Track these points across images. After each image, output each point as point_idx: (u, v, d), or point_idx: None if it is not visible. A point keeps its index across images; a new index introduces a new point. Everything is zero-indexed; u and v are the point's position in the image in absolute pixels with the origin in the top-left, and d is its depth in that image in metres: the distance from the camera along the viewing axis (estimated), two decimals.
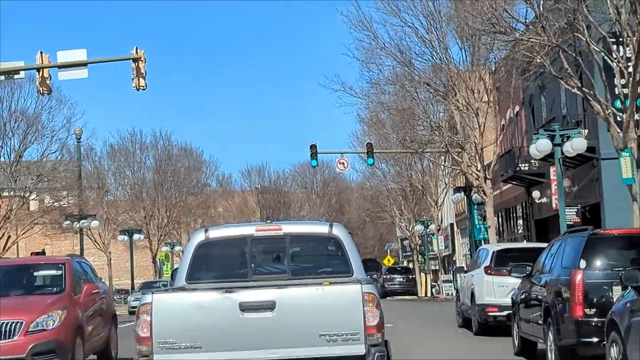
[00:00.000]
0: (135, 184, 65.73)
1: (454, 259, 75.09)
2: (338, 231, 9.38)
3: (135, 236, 58.35)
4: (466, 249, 70.12)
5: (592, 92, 23.43)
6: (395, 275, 59.67)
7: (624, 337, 9.50)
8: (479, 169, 39.17)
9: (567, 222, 34.65)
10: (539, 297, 13.80)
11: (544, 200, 44.03)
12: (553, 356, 12.94)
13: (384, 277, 60.02)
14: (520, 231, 50.71)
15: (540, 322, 13.61)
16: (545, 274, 13.97)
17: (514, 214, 51.38)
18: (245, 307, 7.98)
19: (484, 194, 38.91)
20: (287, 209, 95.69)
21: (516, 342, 15.85)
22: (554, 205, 41.17)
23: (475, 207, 46.19)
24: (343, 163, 48.32)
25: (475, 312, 20.21)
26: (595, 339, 12.10)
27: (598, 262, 12.49)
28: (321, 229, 9.58)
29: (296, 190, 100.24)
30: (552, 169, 41.31)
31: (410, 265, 72.67)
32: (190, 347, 7.95)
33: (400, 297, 56.16)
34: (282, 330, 7.97)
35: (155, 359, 7.97)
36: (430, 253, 66.38)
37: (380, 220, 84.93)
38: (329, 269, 9.39)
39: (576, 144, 27.31)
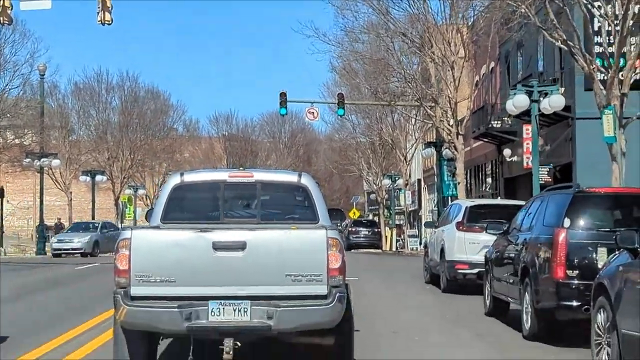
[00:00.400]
0: (99, 124, 64.39)
1: (419, 214, 74.73)
2: (306, 181, 9.76)
3: (98, 177, 57.18)
4: (432, 205, 69.67)
5: (576, 45, 22.62)
6: (361, 228, 59.04)
7: (613, 303, 8.75)
8: (451, 124, 38.38)
9: (539, 182, 34.16)
10: (517, 256, 13.07)
11: (515, 158, 43.42)
12: (529, 318, 12.24)
13: (350, 229, 59.36)
14: (488, 189, 50.20)
15: (516, 282, 12.89)
16: (524, 232, 13.23)
17: (483, 172, 50.82)
18: (218, 246, 8.44)
19: (455, 149, 38.17)
20: (254, 157, 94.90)
21: (487, 301, 15.16)
22: (525, 164, 40.65)
23: (445, 163, 45.51)
24: (313, 113, 47.34)
25: (445, 269, 19.52)
26: (575, 303, 11.43)
27: (583, 222, 11.76)
28: (290, 178, 9.95)
29: (264, 140, 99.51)
30: (525, 127, 40.70)
31: (376, 219, 72.13)
32: (165, 280, 8.41)
33: (365, 250, 55.59)
34: (251, 269, 8.42)
35: (132, 291, 8.42)
36: (396, 207, 65.85)
37: (347, 173, 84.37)
38: (296, 215, 9.73)
39: (554, 101, 26.57)
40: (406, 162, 56.86)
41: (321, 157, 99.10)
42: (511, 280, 13.29)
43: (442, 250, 19.87)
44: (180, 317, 8.37)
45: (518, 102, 26.53)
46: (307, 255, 8.51)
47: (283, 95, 45.48)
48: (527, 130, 40.56)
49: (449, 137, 38.61)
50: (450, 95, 37.76)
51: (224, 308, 8.41)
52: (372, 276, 25.12)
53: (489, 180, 49.53)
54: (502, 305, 14.64)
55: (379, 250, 54.31)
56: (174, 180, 9.90)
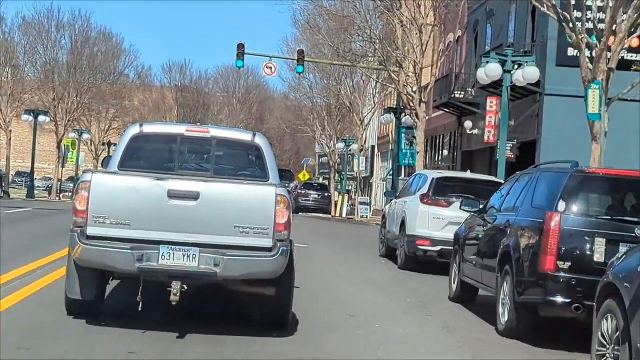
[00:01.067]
0: (47, 62, 61.63)
1: (371, 181, 73.37)
2: (260, 140, 10.02)
3: (41, 117, 54.66)
4: (385, 173, 68.27)
5: (566, 13, 21.02)
6: (311, 191, 57.33)
7: (628, 310, 7.18)
8: (414, 90, 36.71)
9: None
10: (496, 239, 11.46)
11: (475, 131, 42.00)
12: (506, 312, 10.65)
13: (299, 191, 57.66)
14: (442, 162, 48.85)
15: (492, 268, 11.30)
16: (505, 212, 11.63)
17: (440, 143, 49.41)
18: (172, 194, 8.80)
19: (417, 117, 36.57)
20: (205, 110, 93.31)
21: (454, 285, 13.58)
22: (486, 138, 39.18)
23: (404, 130, 43.96)
24: (270, 67, 45.30)
25: (404, 243, 17.93)
26: (563, 299, 9.86)
27: (579, 206, 10.13)
28: (245, 136, 10.22)
29: (217, 93, 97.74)
30: (489, 100, 39.18)
31: (326, 183, 70.56)
32: (120, 223, 8.77)
33: (313, 214, 54.02)
34: (202, 218, 8.78)
35: (88, 230, 8.78)
36: (348, 173, 64.37)
37: (300, 134, 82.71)
38: (248, 172, 9.97)
39: (528, 73, 25.06)
40: (362, 126, 55.21)
41: (274, 116, 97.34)
42: (486, 266, 11.71)
43: (403, 223, 18.28)
44: (132, 258, 8.70)
45: (490, 70, 24.96)
46: (255, 209, 8.82)
47: (240, 46, 43.47)
48: (491, 103, 39.13)
49: (411, 104, 36.97)
50: (415, 60, 36.05)
51: (174, 253, 8.73)
52: (322, 244, 23.52)
53: (446, 152, 48.13)
54: (470, 290, 13.09)
55: (328, 216, 52.74)
56: (133, 130, 10.13)
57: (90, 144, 70.73)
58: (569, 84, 31.68)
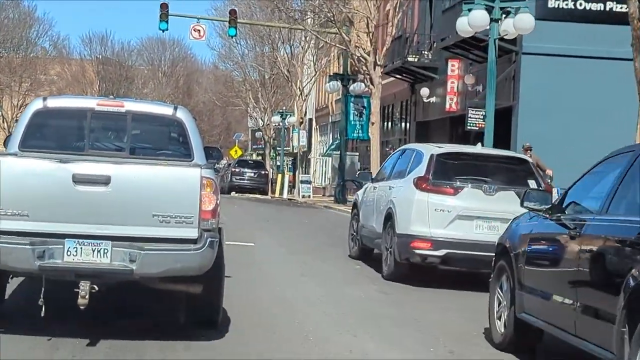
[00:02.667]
0: None
1: (309, 157, 68.49)
2: (182, 114, 8.82)
3: None
4: (325, 148, 63.31)
5: None
6: (246, 170, 52.08)
7: None
8: (368, 51, 31.69)
9: (472, 127, 28.07)
10: (605, 262, 6.56)
11: (434, 99, 37.22)
12: None
13: (233, 169, 52.41)
14: (395, 134, 44.06)
15: (610, 316, 6.38)
16: (616, 216, 6.74)
17: (391, 114, 44.60)
18: (78, 180, 7.81)
19: (372, 83, 31.62)
20: (129, 84, 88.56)
21: (500, 324, 8.66)
22: (447, 106, 34.47)
23: (352, 99, 38.94)
24: (199, 31, 39.96)
25: (393, 246, 12.96)
26: None
27: None
28: (165, 110, 9.02)
29: (141, 66, 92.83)
30: (451, 63, 34.47)
31: (261, 160, 65.44)
32: (17, 214, 7.74)
33: (249, 194, 48.88)
34: (114, 206, 7.82)
35: None
36: (285, 149, 59.38)
37: (232, 107, 77.57)
38: (169, 151, 8.82)
39: (522, 22, 20.16)
40: (302, 97, 50.04)
41: (203, 88, 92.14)
42: (588, 308, 6.79)
43: (389, 218, 13.31)
44: (32, 255, 7.70)
45: (476, 19, 20.04)
46: (178, 194, 7.89)
47: (164, 6, 38.19)
48: (453, 67, 34.36)
49: (364, 68, 31.97)
50: (369, 17, 31.01)
51: (81, 248, 7.78)
52: (272, 240, 18.48)
53: (397, 123, 43.29)
54: (532, 334, 8.20)
55: (267, 197, 47.57)
56: (36, 105, 8.86)
57: (2, 121, 64.62)
58: (550, 40, 27.13)
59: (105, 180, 7.76)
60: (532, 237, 8.05)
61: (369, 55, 31.37)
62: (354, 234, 15.95)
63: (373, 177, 15.44)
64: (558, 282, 7.39)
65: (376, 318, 10.00)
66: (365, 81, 31.82)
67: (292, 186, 51.88)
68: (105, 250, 7.73)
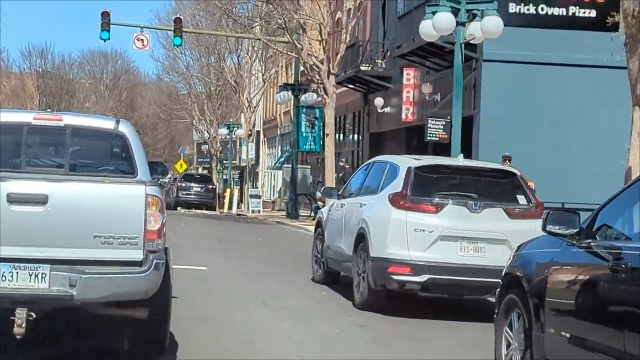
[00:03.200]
0: None
1: (257, 170, 66.90)
2: (124, 128, 8.30)
3: None
4: (273, 161, 61.82)
5: None
6: (193, 184, 50.34)
7: None
8: (321, 60, 30.32)
9: (432, 138, 26.88)
10: None
11: (388, 110, 36.02)
12: None
13: (179, 184, 50.66)
14: (348, 146, 42.77)
15: None
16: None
17: (343, 125, 43.28)
18: (13, 199, 7.27)
19: (325, 92, 30.21)
20: (70, 97, 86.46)
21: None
22: (403, 117, 33.29)
23: (304, 110, 37.53)
24: (142, 40, 38.31)
25: (367, 271, 11.53)
26: None
27: None
28: (106, 124, 8.47)
29: (83, 79, 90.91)
30: (406, 72, 33.29)
31: (209, 174, 63.71)
32: None
33: (197, 210, 47.17)
34: (53, 227, 7.30)
35: None
36: (233, 162, 57.80)
37: (176, 120, 75.87)
38: (111, 167, 8.34)
39: (490, 25, 18.91)
40: (251, 109, 48.49)
41: (147, 102, 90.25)
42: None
43: (361, 239, 11.89)
44: None
45: (441, 22, 18.71)
46: (121, 214, 7.40)
47: (105, 15, 36.54)
48: (409, 75, 33.23)
49: (317, 77, 30.58)
50: (322, 23, 29.65)
51: (17, 272, 7.23)
52: (227, 263, 16.94)
53: (350, 135, 41.99)
54: None
55: (216, 212, 45.91)
56: None
57: None
58: (511, 47, 26.01)
59: (42, 200, 7.28)
60: (555, 268, 6.66)
61: (322, 63, 29.96)
62: (318, 255, 14.49)
63: (339, 192, 14.00)
64: (597, 325, 6.01)
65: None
66: (319, 91, 30.42)
67: (239, 200, 50.29)
68: (43, 275, 7.24)
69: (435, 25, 18.89)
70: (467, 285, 11.14)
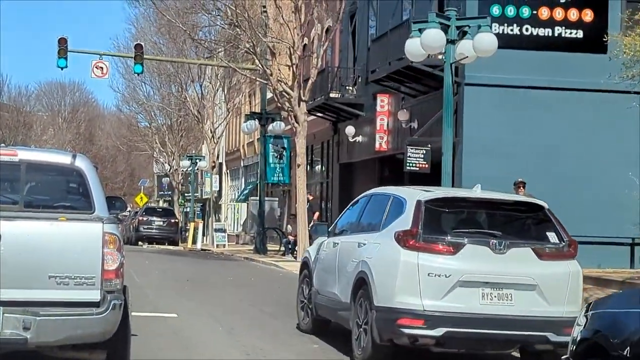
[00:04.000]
0: None
1: (220, 203, 65.06)
2: (81, 163, 8.19)
3: None
4: (237, 194, 59.98)
5: None
6: (154, 218, 48.29)
7: None
8: (291, 86, 28.67)
9: (411, 167, 25.36)
10: None
11: (360, 139, 34.43)
12: None
13: (140, 218, 48.63)
14: (316, 177, 41.09)
15: None
16: None
17: (311, 155, 41.60)
18: None
19: (296, 120, 28.52)
20: (27, 130, 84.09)
21: None
22: (377, 146, 31.70)
23: (271, 140, 35.83)
24: (102, 68, 36.47)
25: (371, 323, 9.79)
26: None
27: None
28: (63, 159, 8.29)
29: (40, 112, 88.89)
30: (380, 98, 31.72)
31: (171, 207, 61.70)
32: None
33: (159, 245, 45.13)
34: (6, 267, 7.06)
35: None
36: (196, 194, 55.90)
37: (137, 152, 73.94)
38: (68, 203, 8.11)
39: (483, 43, 17.38)
40: (215, 140, 46.66)
41: (106, 133, 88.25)
42: None
43: (361, 285, 10.17)
44: None
45: (430, 40, 17.16)
46: (77, 252, 7.24)
47: (62, 41, 34.76)
48: (382, 102, 31.68)
49: (287, 105, 28.91)
50: (293, 47, 28.01)
51: None
52: (199, 309, 15.08)
53: (319, 166, 40.33)
54: None
55: (179, 248, 43.91)
56: None
57: None
58: (494, 70, 24.52)
59: None
60: None
61: (292, 89, 28.32)
62: (305, 301, 12.73)
63: (330, 229, 12.27)
64: None
65: None
66: (290, 119, 28.73)
67: (203, 234, 48.29)
68: None
69: (424, 42, 17.32)
70: (491, 338, 9.45)
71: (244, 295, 17.35)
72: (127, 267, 21.90)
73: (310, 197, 30.18)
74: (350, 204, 12.15)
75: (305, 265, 12.92)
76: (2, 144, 9.22)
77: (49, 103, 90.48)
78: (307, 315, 12.65)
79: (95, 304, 7.17)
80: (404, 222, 9.80)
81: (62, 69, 35.07)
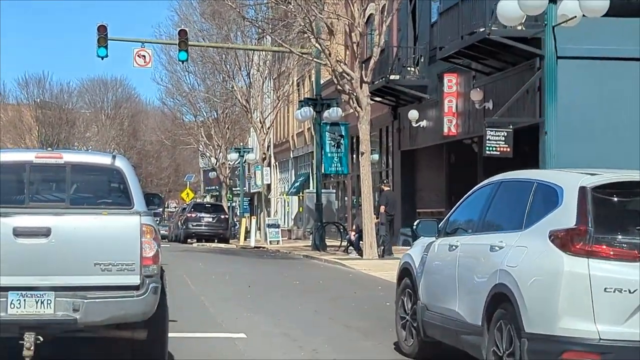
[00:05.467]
0: None
1: (269, 197, 62.69)
2: (120, 163, 8.94)
3: None
4: (287, 187, 57.61)
5: None
6: (203, 214, 46.02)
7: None
8: (351, 66, 26.08)
9: (492, 152, 22.72)
10: None
11: (424, 124, 31.77)
12: None
13: (188, 215, 46.43)
14: (374, 167, 38.40)
15: None
16: None
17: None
18: (19, 233, 8.00)
19: (358, 104, 25.90)
20: (70, 128, 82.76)
21: None
22: (446, 130, 29.01)
23: (328, 128, 33.27)
24: (144, 56, 34.16)
25: (522, 356, 7.19)
26: None
27: None
28: (103, 159, 9.09)
29: (83, 109, 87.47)
30: (447, 78, 29.04)
31: (215, 202, 59.43)
32: None
33: (209, 243, 42.85)
34: (56, 257, 8.01)
35: None
36: (246, 189, 53.66)
37: (182, 146, 71.91)
38: (109, 200, 8.91)
39: (590, 3, 14.64)
40: (264, 130, 44.22)
41: (150, 130, 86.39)
42: None
43: (500, 302, 7.59)
44: None
45: (529, 5, 14.44)
46: (118, 242, 8.12)
47: (102, 29, 32.45)
48: (450, 82, 29.03)
49: (348, 87, 26.32)
50: (353, 23, 25.39)
51: (25, 300, 7.90)
52: (268, 324, 12.57)
53: (376, 155, 37.62)
54: None
55: (232, 246, 41.53)
56: None
57: None
58: (584, 40, 21.72)
59: (45, 232, 7.95)
60: None
61: (354, 71, 25.72)
62: (407, 318, 10.17)
63: (440, 227, 9.66)
64: None
65: None
66: (352, 101, 26.12)
67: (247, 230, 45.84)
68: (49, 301, 7.86)
69: (523, 2, 14.61)
70: None
71: (318, 305, 14.82)
72: (181, 272, 19.42)
73: (385, 188, 27.50)
74: (468, 194, 9.52)
75: (406, 273, 10.32)
76: (49, 148, 10.32)
77: (91, 100, 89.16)
78: (410, 335, 10.08)
79: (136, 287, 7.96)
80: (563, 217, 7.19)
81: (102, 58, 32.78)
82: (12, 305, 7.79)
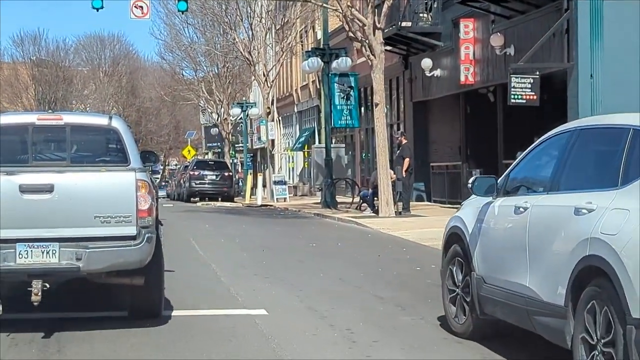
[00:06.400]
0: None
1: (272, 153, 61.17)
2: (117, 123, 9.59)
3: None
4: (291, 142, 56.05)
5: None
6: (206, 172, 44.52)
7: None
8: (365, 12, 24.44)
9: (517, 100, 21.21)
10: None
11: (438, 73, 30.18)
12: None
13: (191, 173, 44.94)
14: (386, 119, 36.75)
15: None
16: None
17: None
18: (25, 189, 8.60)
19: (371, 52, 24.27)
20: (67, 85, 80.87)
21: None
22: (463, 79, 27.39)
23: (337, 79, 31.63)
24: (141, 7, 32.43)
25: (629, 344, 5.76)
26: None
27: None
28: (101, 120, 9.84)
29: (80, 66, 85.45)
30: (463, 23, 27.39)
31: (222, 160, 57.87)
32: None
33: (213, 202, 41.42)
34: (59, 211, 8.62)
35: None
36: (249, 144, 52.12)
37: (182, 102, 70.22)
38: (107, 158, 9.55)
39: None
40: (268, 83, 42.53)
41: (149, 87, 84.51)
42: None
43: (593, 278, 6.08)
44: None
45: None
46: (116, 197, 8.74)
47: None
48: (467, 28, 27.39)
49: (360, 34, 24.68)
50: None
51: (32, 250, 8.55)
52: (289, 296, 11.09)
53: (388, 107, 35.97)
54: None
55: (237, 204, 40.05)
56: None
57: None
58: None
59: (49, 189, 8.61)
60: None
61: (366, 17, 24.07)
62: (458, 291, 8.69)
63: (499, 185, 8.13)
64: None
65: None
66: (365, 49, 24.49)
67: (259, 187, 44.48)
68: (54, 251, 8.53)
69: None
70: None
71: (341, 271, 13.35)
72: (188, 235, 17.91)
73: (404, 140, 25.97)
74: (533, 146, 7.98)
75: (455, 238, 8.79)
76: (50, 110, 11.01)
77: (88, 57, 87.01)
78: (462, 312, 8.60)
79: (133, 237, 8.64)
80: None
81: (97, 10, 31.11)
82: (21, 256, 8.45)
